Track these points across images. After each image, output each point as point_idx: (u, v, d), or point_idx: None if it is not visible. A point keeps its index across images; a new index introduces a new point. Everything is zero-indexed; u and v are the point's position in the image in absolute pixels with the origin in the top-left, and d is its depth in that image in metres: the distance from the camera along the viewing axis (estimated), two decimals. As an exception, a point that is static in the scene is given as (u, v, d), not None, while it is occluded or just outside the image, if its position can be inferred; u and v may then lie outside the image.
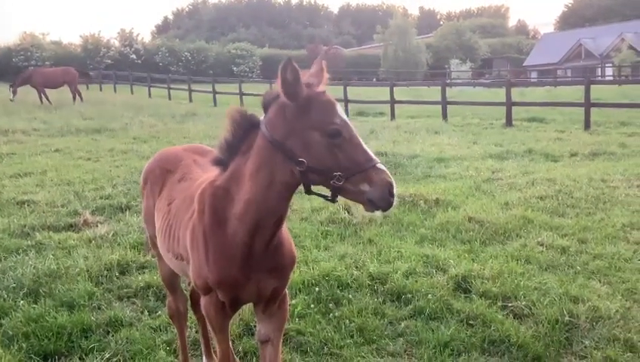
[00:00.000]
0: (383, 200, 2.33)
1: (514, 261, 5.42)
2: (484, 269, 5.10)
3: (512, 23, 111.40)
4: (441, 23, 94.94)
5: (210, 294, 2.75)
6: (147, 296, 4.78)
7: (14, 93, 25.44)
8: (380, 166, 2.36)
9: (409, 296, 4.65)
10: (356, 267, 5.25)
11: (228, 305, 2.77)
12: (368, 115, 22.83)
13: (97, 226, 6.62)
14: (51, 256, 5.49)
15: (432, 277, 5.05)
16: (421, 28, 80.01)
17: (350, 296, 4.67)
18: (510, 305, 4.48)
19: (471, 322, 4.24)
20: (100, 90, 38.24)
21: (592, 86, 17.00)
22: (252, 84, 32.95)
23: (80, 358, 3.85)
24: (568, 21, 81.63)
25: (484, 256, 5.58)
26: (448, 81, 36.69)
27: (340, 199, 2.48)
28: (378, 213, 2.40)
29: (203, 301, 2.83)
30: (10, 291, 4.72)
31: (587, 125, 15.93)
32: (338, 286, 4.79)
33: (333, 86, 27.02)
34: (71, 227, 6.72)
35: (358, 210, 5.78)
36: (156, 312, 4.49)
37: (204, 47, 60.26)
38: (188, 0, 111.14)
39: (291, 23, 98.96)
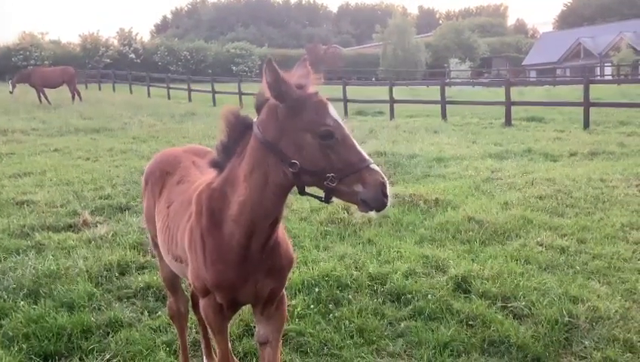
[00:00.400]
0: (376, 201, 2.33)
1: (513, 261, 5.42)
2: (483, 269, 5.11)
3: (510, 22, 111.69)
4: (440, 22, 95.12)
5: (209, 296, 2.76)
6: (147, 296, 4.78)
7: (13, 86, 25.75)
8: (373, 166, 2.35)
9: (409, 296, 4.65)
10: (356, 267, 5.26)
11: (226, 306, 2.77)
12: (367, 115, 22.81)
13: (97, 226, 6.62)
14: (51, 257, 5.49)
15: (431, 277, 5.05)
16: (420, 27, 79.96)
17: (350, 296, 4.67)
18: (510, 305, 4.49)
19: (470, 322, 4.24)
20: (99, 89, 38.19)
21: (591, 85, 17.00)
22: (251, 84, 32.88)
23: (80, 359, 3.85)
24: (567, 20, 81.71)
25: (483, 256, 5.58)
26: (447, 81, 36.73)
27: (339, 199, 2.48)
28: (372, 213, 2.40)
29: (201, 303, 2.84)
30: (10, 292, 4.73)
31: (586, 125, 15.94)
32: (338, 287, 4.79)
33: (332, 85, 27.06)
34: (70, 227, 6.72)
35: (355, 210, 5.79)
36: (156, 313, 4.49)
37: (203, 47, 60.17)
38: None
39: (290, 23, 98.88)
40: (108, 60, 53.53)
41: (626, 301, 4.58)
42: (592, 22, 70.93)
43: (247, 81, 33.91)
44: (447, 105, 20.08)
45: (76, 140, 14.54)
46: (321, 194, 2.44)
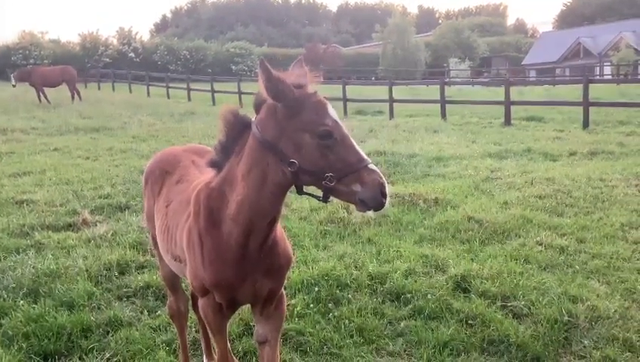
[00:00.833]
0: (374, 201, 2.33)
1: (513, 260, 5.42)
2: (483, 269, 5.11)
3: (510, 21, 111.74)
4: (440, 21, 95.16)
5: (208, 296, 2.76)
6: (147, 295, 4.78)
7: (16, 79, 26.01)
8: (372, 166, 2.35)
9: (408, 295, 4.66)
10: (355, 267, 5.26)
11: (225, 306, 2.77)
12: (367, 114, 22.81)
13: (96, 226, 6.63)
14: (50, 256, 5.49)
15: (431, 276, 5.06)
16: (420, 26, 79.95)
17: (349, 295, 4.67)
18: (509, 304, 4.49)
19: (470, 322, 4.24)
20: (99, 88, 38.18)
21: (590, 85, 17.00)
22: (251, 83, 32.85)
23: (80, 358, 3.85)
24: (567, 20, 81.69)
25: (483, 256, 5.58)
26: (447, 80, 36.63)
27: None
28: (370, 213, 2.39)
29: (200, 302, 2.84)
30: (10, 291, 4.73)
31: (586, 124, 15.93)
32: (337, 286, 4.80)
33: (331, 85, 27.05)
34: (70, 226, 6.72)
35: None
36: (156, 312, 4.49)
37: (202, 46, 60.14)
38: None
39: (290, 22, 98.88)
40: (107, 59, 53.49)
41: (625, 300, 4.58)
42: (592, 21, 70.94)
43: (246, 80, 33.82)
44: (446, 105, 20.08)
45: (76, 139, 14.54)
46: (320, 193, 2.44)
